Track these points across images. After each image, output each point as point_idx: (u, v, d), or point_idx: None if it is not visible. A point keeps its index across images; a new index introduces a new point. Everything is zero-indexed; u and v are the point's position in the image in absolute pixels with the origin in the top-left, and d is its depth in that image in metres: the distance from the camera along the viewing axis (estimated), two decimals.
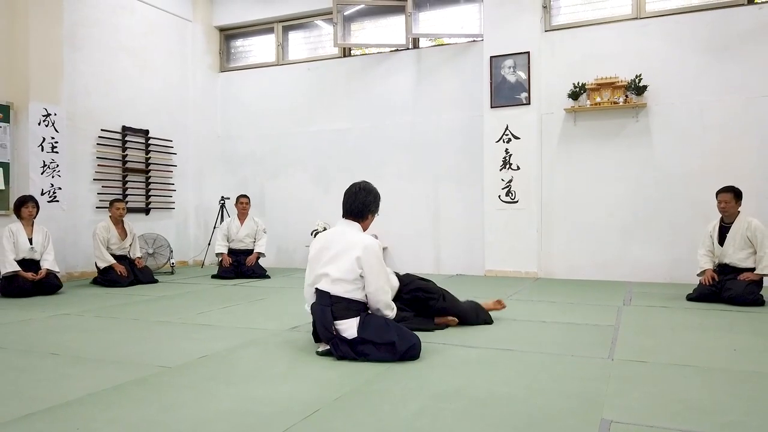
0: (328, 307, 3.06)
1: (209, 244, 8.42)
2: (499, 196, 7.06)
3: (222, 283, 6.51)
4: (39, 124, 6.45)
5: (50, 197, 6.55)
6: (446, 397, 2.44)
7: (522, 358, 3.09)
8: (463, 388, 2.56)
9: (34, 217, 5.82)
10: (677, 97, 6.47)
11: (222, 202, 8.29)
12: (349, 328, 3.04)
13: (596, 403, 2.34)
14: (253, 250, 7.20)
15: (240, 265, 7.03)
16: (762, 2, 6.24)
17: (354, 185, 3.32)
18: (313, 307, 3.19)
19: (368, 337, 2.99)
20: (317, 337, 3.24)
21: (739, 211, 5.02)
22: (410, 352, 3.02)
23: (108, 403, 2.39)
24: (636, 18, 6.71)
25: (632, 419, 2.17)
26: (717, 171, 6.18)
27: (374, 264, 3.08)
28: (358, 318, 3.06)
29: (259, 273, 7.02)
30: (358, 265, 3.05)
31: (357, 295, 3.10)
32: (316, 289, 3.15)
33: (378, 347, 2.99)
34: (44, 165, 6.50)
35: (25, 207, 5.73)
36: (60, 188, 6.67)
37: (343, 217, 3.29)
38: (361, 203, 3.24)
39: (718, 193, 5.08)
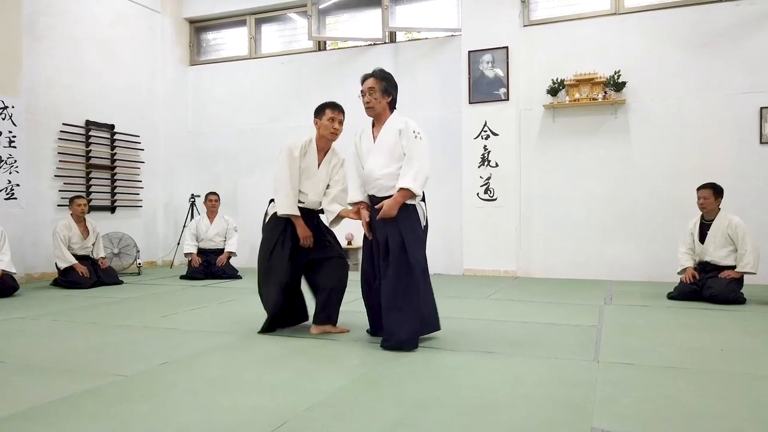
0: None
1: (179, 243, 8.13)
2: (478, 194, 6.93)
3: (191, 284, 6.24)
4: None
5: (7, 194, 6.21)
6: (426, 406, 2.27)
7: (504, 362, 2.93)
8: (444, 395, 2.40)
9: None
10: (656, 94, 6.41)
11: (192, 200, 8.00)
12: None
13: (585, 410, 2.20)
14: (223, 249, 6.95)
15: (210, 266, 6.77)
16: None
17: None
18: None
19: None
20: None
21: (719, 209, 4.96)
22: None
23: (54, 417, 2.16)
24: (614, 14, 6.64)
25: (624, 427, 2.03)
26: (695, 168, 6.13)
27: None
28: None
29: (230, 273, 6.76)
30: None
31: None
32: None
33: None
34: (1, 160, 6.16)
35: None
36: (18, 185, 6.32)
37: None
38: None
39: (698, 189, 5.02)
